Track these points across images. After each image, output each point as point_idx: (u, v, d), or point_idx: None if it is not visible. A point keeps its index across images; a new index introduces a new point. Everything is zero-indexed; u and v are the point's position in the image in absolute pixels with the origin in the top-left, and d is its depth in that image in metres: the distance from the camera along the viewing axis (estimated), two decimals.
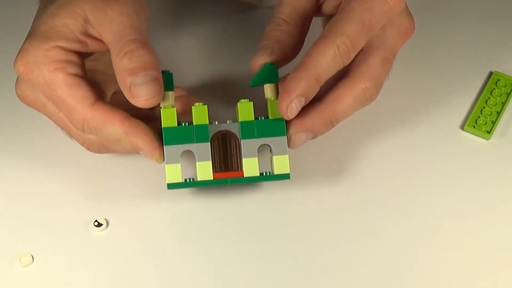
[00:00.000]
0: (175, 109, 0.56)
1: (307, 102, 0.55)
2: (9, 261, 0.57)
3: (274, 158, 0.56)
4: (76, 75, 0.55)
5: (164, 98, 0.56)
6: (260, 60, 0.57)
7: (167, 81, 0.56)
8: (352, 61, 0.57)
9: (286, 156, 0.56)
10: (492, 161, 0.62)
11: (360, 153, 0.62)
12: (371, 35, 0.56)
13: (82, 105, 0.55)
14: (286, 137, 0.56)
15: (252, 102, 0.57)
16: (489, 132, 0.62)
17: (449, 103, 0.64)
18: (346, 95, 0.56)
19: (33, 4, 0.61)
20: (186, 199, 0.60)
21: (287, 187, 0.60)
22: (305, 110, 0.56)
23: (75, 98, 0.55)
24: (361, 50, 0.57)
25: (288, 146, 0.57)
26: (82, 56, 0.57)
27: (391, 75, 0.59)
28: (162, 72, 0.55)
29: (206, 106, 0.57)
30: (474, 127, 0.62)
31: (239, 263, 0.57)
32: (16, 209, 0.60)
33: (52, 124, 0.59)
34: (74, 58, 0.56)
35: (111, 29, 0.54)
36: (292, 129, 0.56)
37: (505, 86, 0.64)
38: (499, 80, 0.65)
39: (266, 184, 0.60)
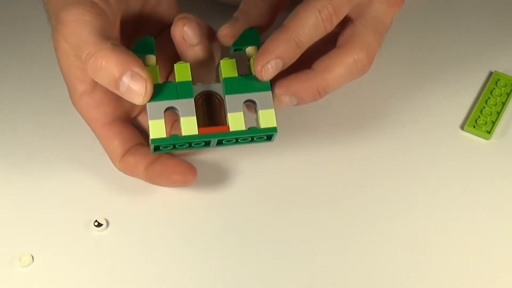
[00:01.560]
0: (157, 67, 0.55)
1: (286, 66, 0.54)
2: (9, 261, 0.57)
3: (260, 112, 0.55)
4: (110, 122, 0.58)
5: (146, 60, 0.55)
6: (224, 30, 0.57)
7: (147, 46, 0.55)
8: (343, 32, 0.57)
9: (272, 110, 0.55)
10: (492, 161, 0.61)
11: (359, 153, 0.62)
12: (354, 1, 0.55)
13: (114, 159, 0.59)
14: (270, 92, 0.55)
15: (234, 59, 0.56)
16: (489, 132, 0.62)
17: (449, 103, 0.64)
18: (337, 64, 0.56)
19: (33, 4, 0.61)
20: (187, 199, 0.60)
21: (284, 179, 0.60)
22: (292, 74, 0.56)
23: (109, 151, 0.59)
24: (351, 22, 0.57)
25: None
26: None
27: (391, 74, 0.59)
28: (141, 38, 0.56)
29: (188, 64, 0.56)
30: (474, 127, 0.62)
31: (240, 263, 0.57)
32: (16, 209, 0.60)
33: (51, 124, 0.59)
34: (99, 95, 0.57)
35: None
36: (277, 90, 0.56)
37: (505, 86, 0.64)
38: (499, 80, 0.65)
39: (265, 176, 0.60)
